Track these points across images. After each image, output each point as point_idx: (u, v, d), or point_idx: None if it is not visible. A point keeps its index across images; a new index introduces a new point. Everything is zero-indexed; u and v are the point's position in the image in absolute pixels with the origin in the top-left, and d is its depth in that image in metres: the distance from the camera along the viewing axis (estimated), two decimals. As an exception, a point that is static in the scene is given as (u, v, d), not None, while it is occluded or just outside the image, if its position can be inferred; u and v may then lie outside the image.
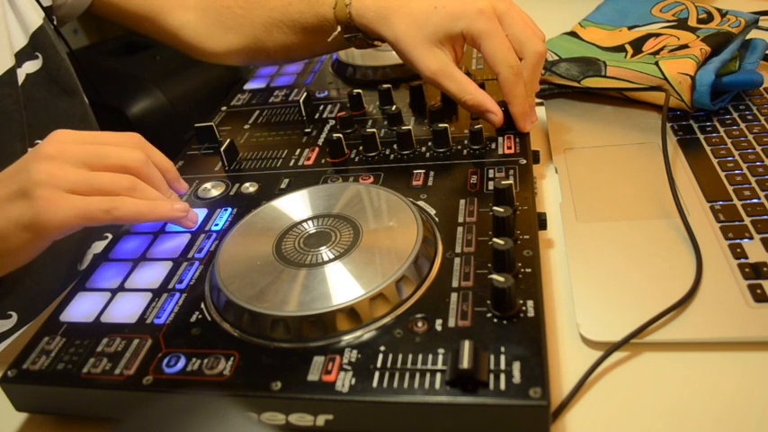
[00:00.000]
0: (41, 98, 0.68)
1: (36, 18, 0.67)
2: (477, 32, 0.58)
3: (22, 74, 0.65)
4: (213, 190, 0.60)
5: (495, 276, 0.40)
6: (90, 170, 0.47)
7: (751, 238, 0.49)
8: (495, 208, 0.46)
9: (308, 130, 0.68)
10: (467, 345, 0.37)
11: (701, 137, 0.62)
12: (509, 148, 0.58)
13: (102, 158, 0.48)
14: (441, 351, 0.39)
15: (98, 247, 0.74)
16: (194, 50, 0.78)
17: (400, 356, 0.39)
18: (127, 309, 0.46)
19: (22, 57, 0.65)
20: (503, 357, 0.38)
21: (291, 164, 0.62)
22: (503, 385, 0.36)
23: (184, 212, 0.50)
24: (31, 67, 0.67)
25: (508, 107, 0.59)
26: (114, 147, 0.49)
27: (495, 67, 0.58)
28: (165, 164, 0.55)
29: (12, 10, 0.65)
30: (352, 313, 0.41)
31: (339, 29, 0.66)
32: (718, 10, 0.75)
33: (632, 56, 0.72)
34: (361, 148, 0.61)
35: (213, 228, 0.54)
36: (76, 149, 0.47)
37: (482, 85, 0.62)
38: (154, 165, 0.52)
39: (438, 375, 0.37)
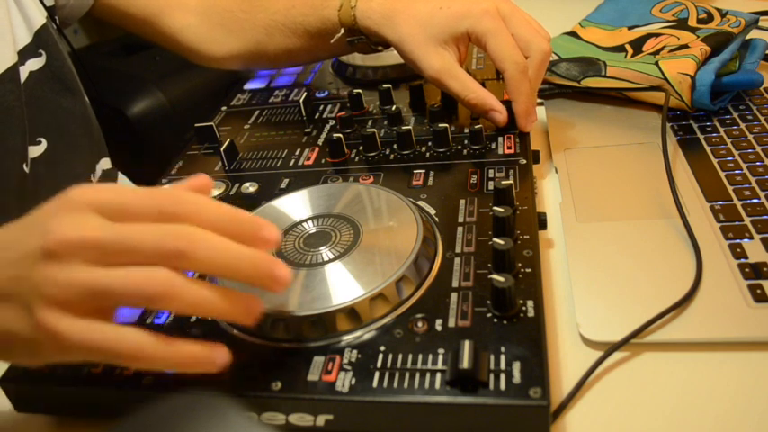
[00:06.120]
0: (44, 96, 0.68)
1: (40, 16, 0.68)
2: (482, 31, 0.58)
3: (25, 71, 0.65)
4: (213, 190, 0.60)
5: (495, 276, 0.40)
6: (109, 264, 0.33)
7: (751, 238, 0.49)
8: (495, 208, 0.46)
9: (308, 130, 0.68)
10: (467, 345, 0.37)
11: (701, 137, 0.62)
12: (509, 148, 0.58)
13: (127, 248, 0.33)
14: (441, 351, 0.39)
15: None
16: (195, 54, 0.78)
17: (400, 356, 0.39)
18: (127, 309, 0.46)
19: (25, 54, 0.66)
20: (503, 357, 0.38)
21: (291, 164, 0.62)
22: (503, 385, 0.36)
23: (212, 364, 0.35)
24: (34, 64, 0.67)
25: (512, 105, 0.59)
26: (145, 228, 0.34)
27: (502, 65, 0.58)
28: (232, 217, 0.36)
29: (17, 7, 0.66)
30: (353, 313, 0.41)
31: (342, 31, 0.66)
32: (718, 10, 0.75)
33: (632, 56, 0.72)
34: (361, 148, 0.61)
35: (213, 228, 0.54)
36: (93, 238, 0.33)
37: (482, 85, 0.62)
38: (215, 222, 0.35)
39: (438, 375, 0.37)
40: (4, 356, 0.39)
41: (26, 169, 0.65)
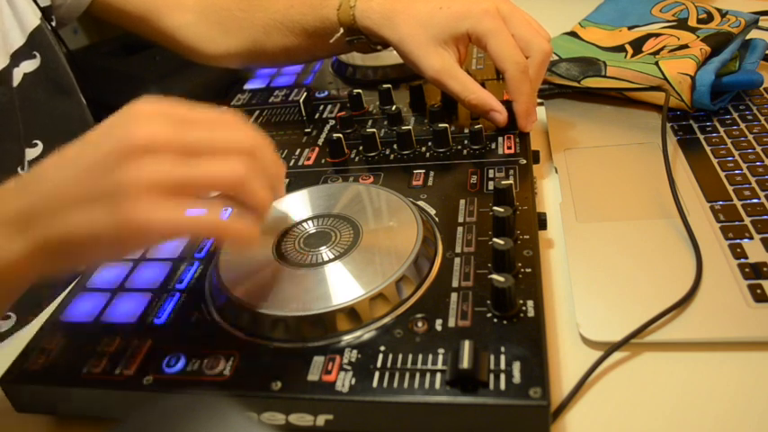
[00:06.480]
0: (39, 98, 0.68)
1: (34, 18, 0.67)
2: (482, 31, 0.58)
3: (19, 73, 0.65)
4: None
5: (495, 276, 0.40)
6: (191, 157, 0.37)
7: (751, 238, 0.49)
8: (495, 208, 0.46)
9: (308, 130, 0.68)
10: (467, 345, 0.37)
11: (701, 137, 0.62)
12: (509, 148, 0.58)
13: (206, 143, 0.37)
14: (441, 351, 0.39)
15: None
16: (192, 53, 0.78)
17: (400, 356, 0.39)
18: (127, 309, 0.46)
19: (19, 56, 0.65)
20: (503, 357, 0.38)
21: (291, 164, 0.62)
22: (503, 385, 0.36)
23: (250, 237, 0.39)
24: (28, 66, 0.67)
25: (513, 105, 0.59)
26: (219, 130, 0.39)
27: (502, 65, 0.58)
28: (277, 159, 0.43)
29: (10, 9, 0.65)
30: (353, 313, 0.41)
31: (341, 31, 0.66)
32: (718, 10, 0.75)
33: (632, 56, 0.72)
34: (361, 148, 0.61)
35: (213, 228, 0.54)
36: (175, 134, 0.37)
37: (482, 86, 0.62)
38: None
39: (438, 375, 0.37)
40: (91, 257, 0.41)
41: (22, 173, 0.65)
